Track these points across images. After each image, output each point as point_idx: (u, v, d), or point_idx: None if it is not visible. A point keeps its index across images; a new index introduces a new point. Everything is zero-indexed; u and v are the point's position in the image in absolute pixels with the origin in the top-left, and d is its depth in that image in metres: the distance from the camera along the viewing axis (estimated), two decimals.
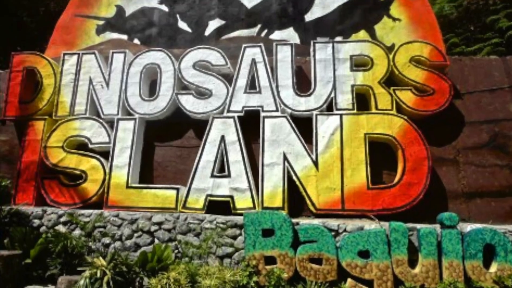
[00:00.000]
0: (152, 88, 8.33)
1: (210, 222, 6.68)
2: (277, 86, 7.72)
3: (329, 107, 7.56)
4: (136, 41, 9.60)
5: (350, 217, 6.85)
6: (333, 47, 7.86)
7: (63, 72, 8.40)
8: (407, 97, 7.42)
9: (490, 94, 7.70)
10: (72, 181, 7.75)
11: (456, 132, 7.56)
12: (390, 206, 6.86)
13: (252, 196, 7.13)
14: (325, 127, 7.39)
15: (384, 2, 9.00)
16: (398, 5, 8.91)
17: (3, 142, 8.54)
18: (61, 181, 7.71)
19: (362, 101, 7.60)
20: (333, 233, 6.19)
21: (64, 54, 8.56)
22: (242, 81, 7.84)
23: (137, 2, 9.87)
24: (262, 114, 7.58)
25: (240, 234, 6.49)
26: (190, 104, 7.86)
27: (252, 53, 7.98)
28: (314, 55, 7.87)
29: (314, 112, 7.49)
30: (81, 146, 7.97)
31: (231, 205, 7.12)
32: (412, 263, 5.95)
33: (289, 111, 7.56)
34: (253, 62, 7.91)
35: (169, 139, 8.14)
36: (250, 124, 7.55)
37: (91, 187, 7.58)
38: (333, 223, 6.39)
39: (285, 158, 7.28)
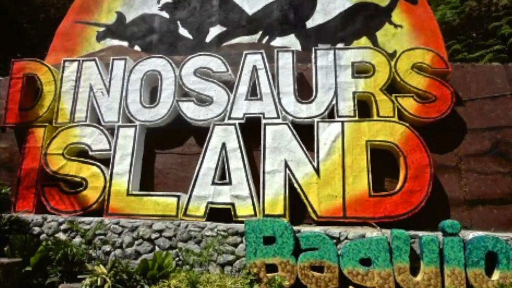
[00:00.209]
0: (152, 95, 8.31)
1: (211, 230, 6.65)
2: (278, 93, 7.71)
3: (331, 114, 7.53)
4: (137, 48, 9.59)
5: (351, 225, 6.82)
6: (334, 53, 7.85)
7: (64, 79, 8.39)
8: (409, 104, 7.40)
9: (492, 101, 7.68)
10: (72, 188, 7.72)
11: (458, 139, 7.53)
12: (392, 213, 6.83)
13: (253, 204, 7.10)
14: (327, 134, 7.37)
15: (386, 9, 8.97)
16: (400, 12, 8.89)
17: (3, 149, 8.52)
18: (61, 189, 7.67)
19: (364, 108, 7.58)
20: (334, 241, 6.16)
21: (65, 61, 8.54)
22: (243, 88, 7.82)
23: (138, 9, 9.85)
24: (263, 121, 7.56)
25: (241, 242, 6.46)
26: (191, 111, 7.84)
27: (253, 59, 7.96)
28: (315, 62, 7.85)
29: (316, 119, 7.47)
30: (81, 154, 7.94)
31: (232, 213, 7.08)
32: (414, 270, 5.91)
33: (291, 118, 7.54)
34: (254, 69, 7.89)
35: (170, 146, 8.12)
36: (251, 131, 7.52)
37: (91, 194, 7.55)
38: (334, 230, 6.36)
39: (286, 165, 7.25)
